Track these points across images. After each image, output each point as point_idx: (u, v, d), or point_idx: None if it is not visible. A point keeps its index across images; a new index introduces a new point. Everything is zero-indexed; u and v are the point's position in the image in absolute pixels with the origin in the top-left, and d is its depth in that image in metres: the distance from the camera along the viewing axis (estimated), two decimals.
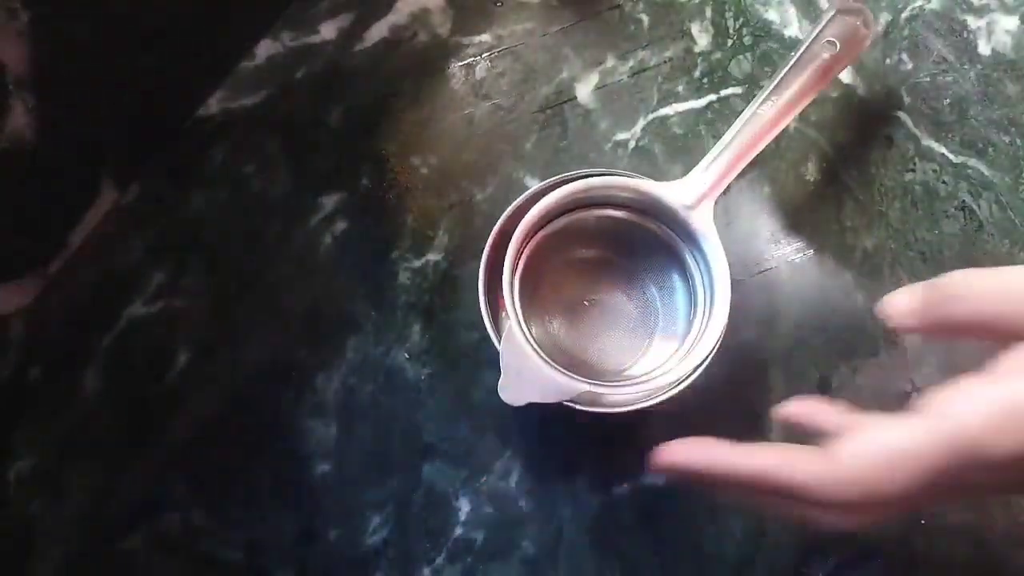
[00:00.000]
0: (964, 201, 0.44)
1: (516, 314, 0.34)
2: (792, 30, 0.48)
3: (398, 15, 0.49)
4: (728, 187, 0.37)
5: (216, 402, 0.42)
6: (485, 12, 0.49)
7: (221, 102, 0.47)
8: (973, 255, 0.43)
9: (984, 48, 0.46)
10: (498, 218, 0.38)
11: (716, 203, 0.37)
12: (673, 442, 0.26)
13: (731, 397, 0.40)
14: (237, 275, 0.44)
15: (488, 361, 0.41)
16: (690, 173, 0.37)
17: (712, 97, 0.47)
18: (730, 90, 0.47)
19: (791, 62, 0.37)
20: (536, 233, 0.37)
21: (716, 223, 0.36)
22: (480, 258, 0.37)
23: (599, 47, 0.48)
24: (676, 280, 0.39)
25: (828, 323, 0.42)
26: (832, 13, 0.38)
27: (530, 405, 0.33)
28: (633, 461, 0.36)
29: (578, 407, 0.35)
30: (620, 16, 0.49)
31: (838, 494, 0.22)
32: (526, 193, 0.38)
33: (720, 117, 0.46)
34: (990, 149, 0.45)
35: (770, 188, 0.45)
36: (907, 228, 0.44)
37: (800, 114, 0.45)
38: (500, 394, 0.33)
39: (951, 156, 0.45)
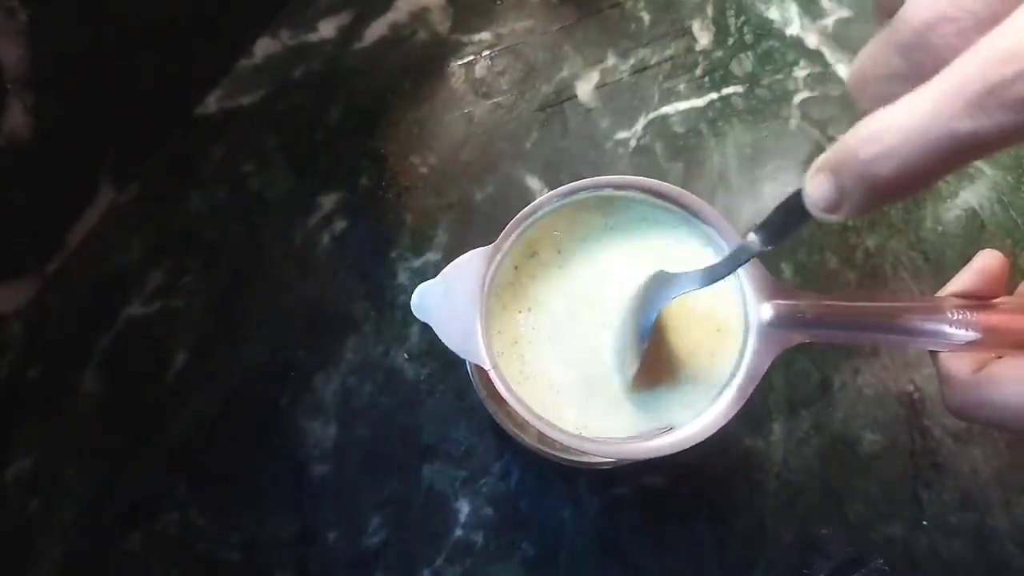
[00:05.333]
0: (966, 200, 0.44)
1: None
2: (794, 28, 0.48)
3: (398, 13, 0.48)
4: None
5: (214, 402, 0.42)
6: (485, 10, 0.49)
7: (219, 101, 0.47)
8: (975, 255, 0.43)
9: None
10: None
11: (715, 202, 0.36)
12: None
13: None
14: (235, 275, 0.44)
15: None
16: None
17: (713, 96, 0.47)
18: (731, 89, 0.47)
19: None
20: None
21: None
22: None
23: (600, 45, 0.48)
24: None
25: None
26: None
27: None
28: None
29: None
30: (621, 14, 0.48)
31: None
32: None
33: (721, 116, 0.46)
34: None
35: (771, 187, 0.45)
36: (909, 228, 0.44)
37: (802, 112, 0.45)
38: (413, 302, 0.28)
39: None
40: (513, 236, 0.29)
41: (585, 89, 0.47)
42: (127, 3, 0.41)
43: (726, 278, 0.25)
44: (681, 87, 0.47)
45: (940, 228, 0.44)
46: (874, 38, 0.19)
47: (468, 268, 0.28)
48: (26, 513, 0.40)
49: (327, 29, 0.48)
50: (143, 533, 0.40)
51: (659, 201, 0.30)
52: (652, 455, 0.27)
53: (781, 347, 0.27)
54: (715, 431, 0.27)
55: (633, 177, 0.29)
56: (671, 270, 0.28)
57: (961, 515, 0.39)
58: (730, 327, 0.29)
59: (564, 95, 0.47)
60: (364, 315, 0.43)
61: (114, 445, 0.41)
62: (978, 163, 0.44)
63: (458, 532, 0.39)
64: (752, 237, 0.22)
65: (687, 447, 0.27)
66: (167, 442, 0.41)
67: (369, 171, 0.46)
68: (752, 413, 0.41)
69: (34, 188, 0.41)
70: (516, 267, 0.31)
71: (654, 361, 0.29)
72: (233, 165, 0.46)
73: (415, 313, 0.28)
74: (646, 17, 0.48)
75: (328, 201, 0.45)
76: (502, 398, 0.37)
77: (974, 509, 0.39)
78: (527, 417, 0.27)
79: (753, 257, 0.23)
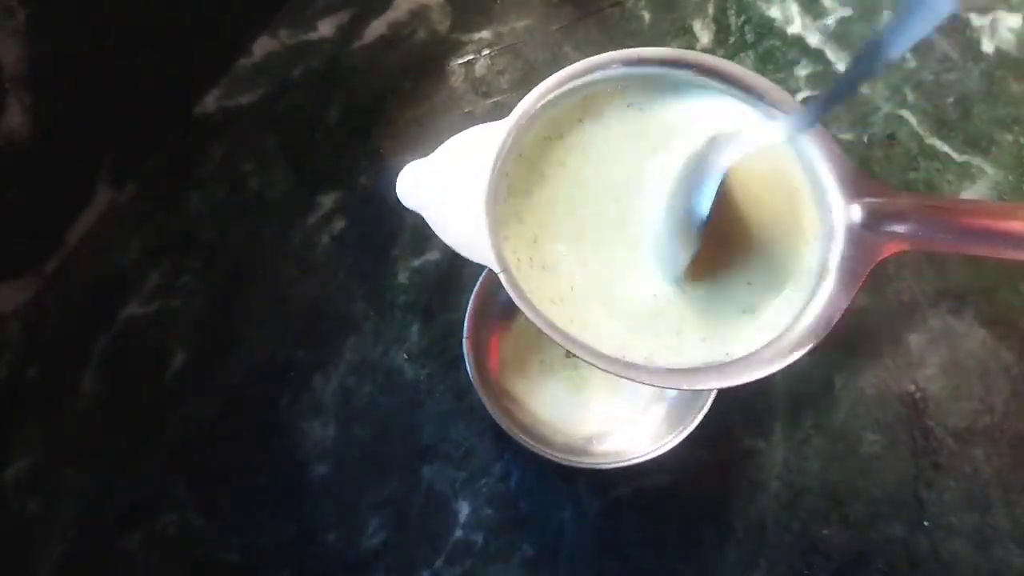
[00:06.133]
0: None
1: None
2: (795, 27, 0.47)
3: (397, 12, 0.48)
4: None
5: (213, 403, 0.42)
6: (485, 9, 0.48)
7: (219, 100, 0.47)
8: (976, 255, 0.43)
9: (988, 46, 0.46)
10: None
11: None
12: None
13: (732, 396, 0.40)
14: (234, 274, 0.44)
15: None
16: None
17: None
18: None
19: None
20: None
21: None
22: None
23: (600, 44, 0.48)
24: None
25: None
26: None
27: None
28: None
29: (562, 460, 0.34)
30: (621, 13, 0.48)
31: None
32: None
33: None
34: (993, 148, 0.44)
35: None
36: None
37: None
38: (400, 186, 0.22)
39: (954, 155, 0.44)
40: (532, 111, 0.23)
41: None
42: (126, 3, 0.41)
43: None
44: None
45: None
46: None
47: (473, 147, 0.22)
48: (26, 513, 0.40)
49: (326, 28, 0.48)
50: (143, 533, 0.40)
51: (720, 84, 0.24)
52: (724, 384, 0.22)
53: (877, 255, 0.22)
54: (808, 348, 0.22)
55: (690, 52, 0.23)
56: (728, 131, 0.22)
57: (962, 515, 0.39)
58: (789, 226, 0.24)
59: None
60: (363, 315, 0.43)
61: (114, 445, 0.41)
62: (980, 162, 0.44)
63: (458, 533, 0.39)
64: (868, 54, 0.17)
65: (754, 379, 0.22)
66: (167, 442, 0.41)
67: (369, 170, 0.45)
68: (753, 412, 0.40)
69: (33, 188, 0.41)
70: (533, 147, 0.24)
71: (716, 243, 0.23)
72: (232, 165, 0.46)
73: (402, 200, 0.22)
74: (647, 16, 0.48)
75: (327, 200, 0.45)
76: (501, 397, 0.38)
77: (975, 509, 0.39)
78: (552, 335, 0.22)
79: (870, 78, 0.18)
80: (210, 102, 0.47)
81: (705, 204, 0.21)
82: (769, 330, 0.23)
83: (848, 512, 0.39)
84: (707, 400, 0.32)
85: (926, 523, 0.39)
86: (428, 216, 0.23)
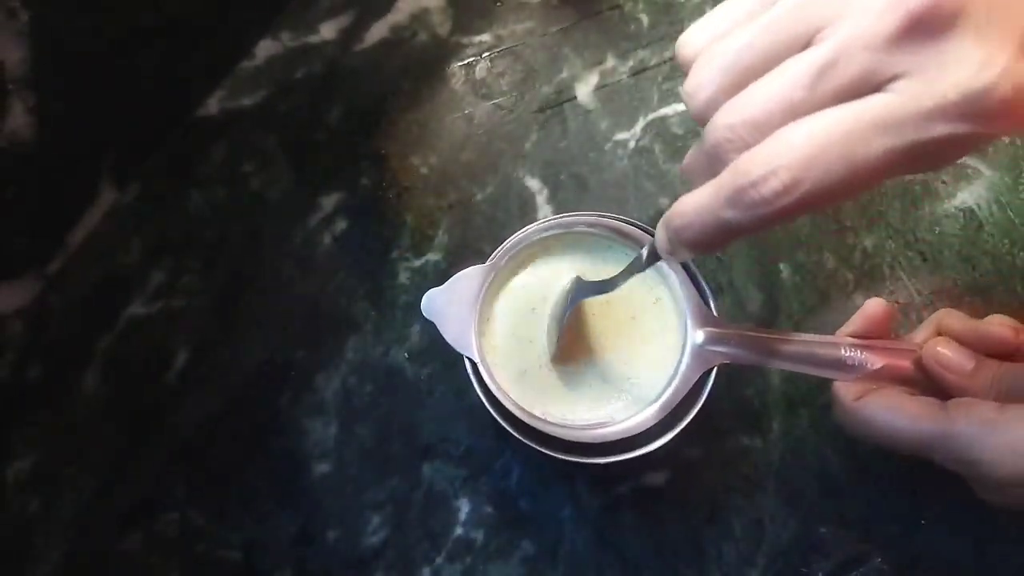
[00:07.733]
0: (964, 200, 0.44)
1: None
2: None
3: (398, 15, 0.49)
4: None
5: (215, 402, 0.42)
6: (485, 12, 0.49)
7: (221, 102, 0.47)
8: (973, 255, 0.43)
9: None
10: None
11: None
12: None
13: (730, 397, 0.40)
14: (236, 275, 0.44)
15: None
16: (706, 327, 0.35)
17: None
18: None
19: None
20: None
21: None
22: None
23: (599, 47, 0.48)
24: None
25: (828, 323, 0.42)
26: None
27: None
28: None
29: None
30: (620, 16, 0.49)
31: None
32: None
33: None
34: (990, 148, 0.45)
35: None
36: (907, 228, 0.44)
37: None
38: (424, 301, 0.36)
39: None
40: (505, 257, 0.37)
41: (584, 90, 0.47)
42: (129, 5, 0.41)
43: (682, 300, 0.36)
44: (680, 88, 0.47)
45: (938, 229, 0.44)
46: (694, 146, 0.27)
47: (469, 280, 0.36)
48: (26, 513, 0.40)
49: (328, 31, 0.48)
50: (143, 533, 0.40)
51: (623, 239, 0.37)
52: (596, 440, 0.34)
53: (708, 365, 0.34)
54: (650, 426, 0.34)
55: (603, 218, 0.37)
56: (587, 278, 0.36)
57: (961, 514, 0.39)
58: (656, 339, 0.37)
59: (564, 96, 0.47)
60: (364, 315, 0.43)
61: (115, 445, 0.41)
62: (976, 163, 0.44)
63: (458, 531, 0.39)
64: (637, 260, 0.30)
65: (626, 435, 0.34)
66: (167, 442, 0.41)
67: (369, 171, 0.46)
68: (751, 411, 0.41)
69: (35, 188, 0.42)
70: (506, 280, 0.38)
71: (576, 345, 0.37)
72: (234, 166, 0.46)
73: (424, 313, 0.35)
74: (645, 19, 0.49)
75: (329, 201, 0.45)
76: (500, 396, 0.38)
77: (974, 508, 0.39)
78: (504, 403, 0.34)
79: (634, 274, 0.32)
80: (212, 103, 0.47)
81: (563, 318, 0.35)
82: (636, 405, 0.36)
83: (847, 511, 0.39)
84: (702, 396, 0.34)
85: (923, 522, 0.39)
86: (438, 324, 0.35)
